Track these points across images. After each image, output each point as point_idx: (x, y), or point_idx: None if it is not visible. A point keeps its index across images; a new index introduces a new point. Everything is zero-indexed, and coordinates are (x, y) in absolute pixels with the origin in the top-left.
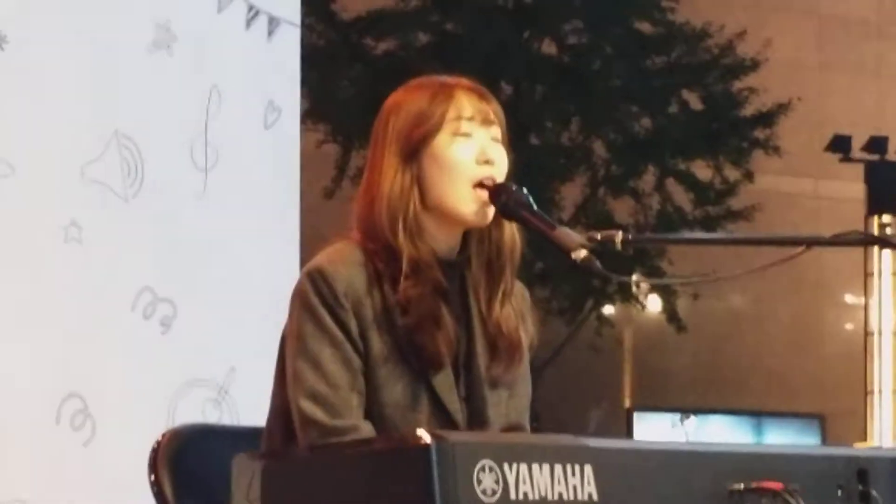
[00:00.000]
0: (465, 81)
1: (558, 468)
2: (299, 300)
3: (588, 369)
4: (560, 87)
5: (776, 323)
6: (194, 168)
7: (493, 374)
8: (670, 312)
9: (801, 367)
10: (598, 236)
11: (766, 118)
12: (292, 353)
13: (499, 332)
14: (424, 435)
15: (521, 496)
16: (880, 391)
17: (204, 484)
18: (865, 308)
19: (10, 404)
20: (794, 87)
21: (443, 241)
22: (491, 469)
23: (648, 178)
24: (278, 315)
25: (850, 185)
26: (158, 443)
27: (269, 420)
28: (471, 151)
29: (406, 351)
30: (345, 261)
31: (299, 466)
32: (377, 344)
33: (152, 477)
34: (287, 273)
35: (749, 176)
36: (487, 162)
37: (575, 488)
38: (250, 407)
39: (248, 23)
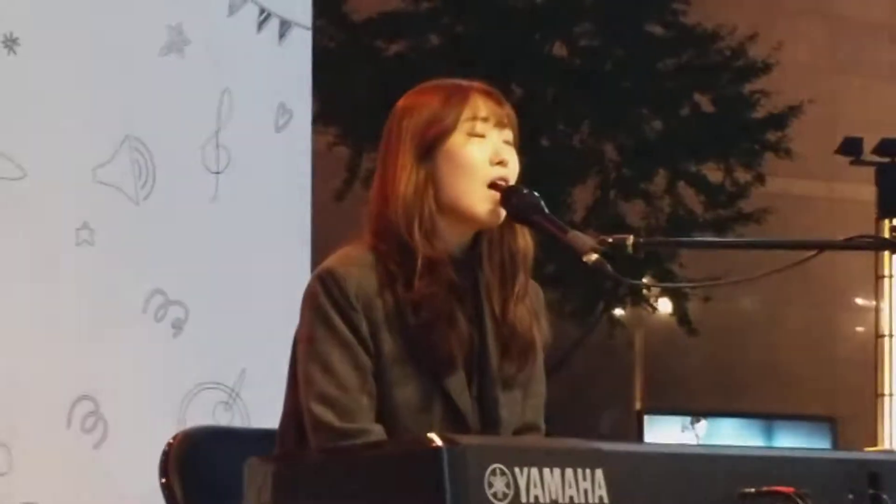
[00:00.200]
0: (479, 84)
1: (569, 472)
2: (310, 303)
3: (599, 372)
4: (571, 89)
5: (787, 326)
6: (206, 171)
7: (505, 374)
8: (681, 315)
9: (812, 370)
10: (610, 240)
11: (778, 121)
12: (303, 356)
13: (513, 332)
14: (435, 438)
15: (531, 500)
16: (892, 394)
17: (215, 487)
18: (877, 311)
19: (21, 406)
20: (805, 89)
21: (455, 240)
22: (502, 473)
23: (660, 181)
24: (289, 317)
25: (862, 188)
26: (169, 445)
27: (283, 423)
28: (485, 152)
29: (418, 351)
30: (355, 263)
31: (311, 470)
32: (389, 344)
33: (163, 480)
34: (298, 275)
35: (760, 178)
36: (501, 163)
37: (586, 492)
38: (261, 409)
39: (260, 26)
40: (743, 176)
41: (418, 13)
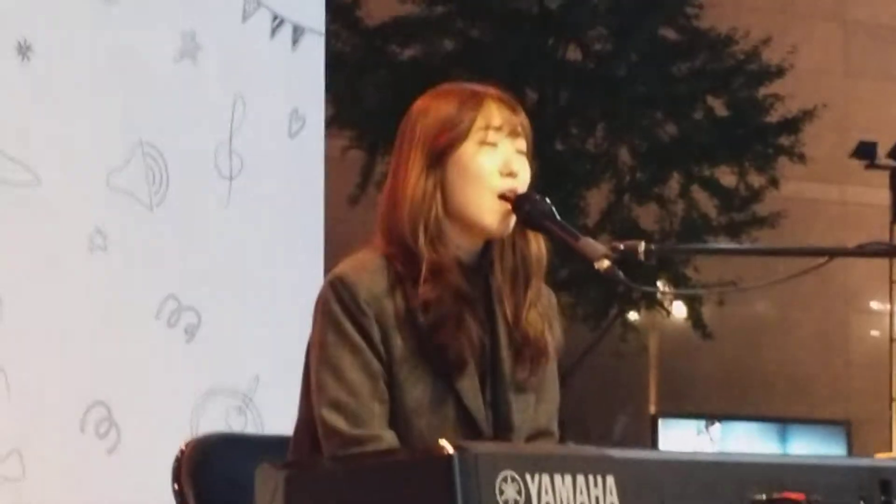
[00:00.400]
0: (494, 91)
1: (581, 479)
2: (321, 308)
3: (613, 376)
4: (585, 93)
5: (801, 329)
6: (219, 176)
7: (518, 378)
8: (695, 319)
9: (826, 374)
10: (621, 246)
11: (792, 125)
12: (315, 362)
13: (525, 338)
14: (447, 445)
15: None
16: None
17: (227, 493)
18: (891, 315)
19: (35, 412)
20: (819, 93)
21: (465, 246)
22: (513, 479)
23: (673, 185)
24: (302, 323)
25: (876, 192)
26: (182, 451)
27: (297, 430)
28: (495, 162)
29: (428, 352)
30: (366, 268)
31: (322, 476)
32: (400, 345)
33: (176, 486)
34: (311, 281)
35: (774, 182)
36: (511, 174)
37: (597, 499)
38: (274, 415)
39: (273, 32)
40: (757, 180)
41: (432, 18)
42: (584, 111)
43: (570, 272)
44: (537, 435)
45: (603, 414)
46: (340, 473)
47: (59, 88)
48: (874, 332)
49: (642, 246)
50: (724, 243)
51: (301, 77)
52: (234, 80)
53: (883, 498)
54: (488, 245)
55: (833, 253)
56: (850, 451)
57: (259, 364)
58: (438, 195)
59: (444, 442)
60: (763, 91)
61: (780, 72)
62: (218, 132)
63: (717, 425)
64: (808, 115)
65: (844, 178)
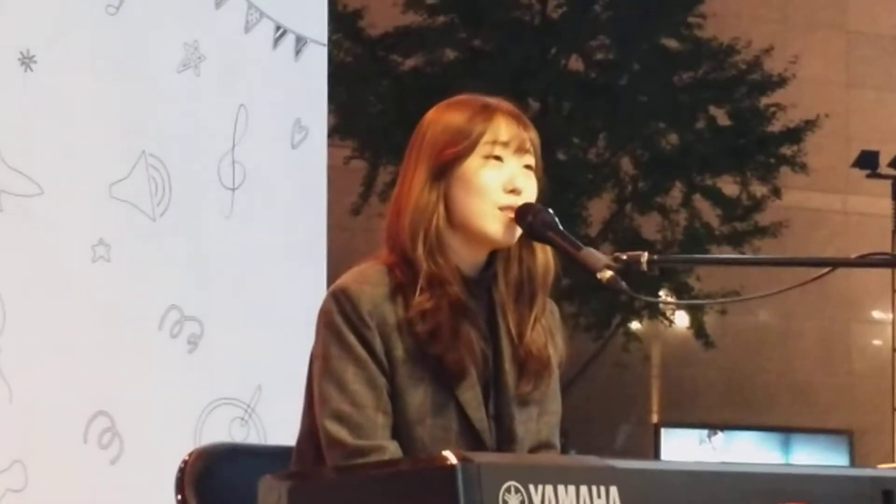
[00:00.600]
0: (506, 105)
1: (584, 489)
2: (324, 320)
3: (615, 385)
4: (587, 103)
5: (804, 339)
6: (222, 187)
7: (521, 391)
8: (698, 328)
9: (828, 384)
10: (624, 256)
11: (794, 134)
12: (318, 373)
13: (529, 354)
14: (450, 456)
15: None
16: None
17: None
18: (893, 324)
19: (38, 422)
20: (821, 103)
21: (468, 258)
22: (517, 490)
23: (675, 194)
24: (305, 334)
25: (878, 201)
26: (185, 462)
27: (300, 441)
28: (499, 178)
29: (428, 359)
30: (369, 280)
31: (325, 487)
32: (400, 350)
33: (179, 496)
34: (314, 292)
35: (776, 192)
36: (514, 191)
37: None
38: (277, 426)
39: (276, 42)
40: (759, 189)
41: (434, 28)
42: (586, 121)
43: (572, 282)
44: (539, 447)
45: (605, 423)
46: (344, 484)
47: (62, 99)
48: (876, 342)
49: (645, 256)
50: (726, 253)
51: (304, 87)
52: (237, 90)
53: None
54: (493, 257)
55: (835, 264)
56: (853, 461)
57: (262, 374)
58: (441, 207)
59: (447, 452)
60: (765, 101)
61: (781, 82)
62: (220, 142)
63: (720, 435)
64: (809, 124)
65: (846, 188)
